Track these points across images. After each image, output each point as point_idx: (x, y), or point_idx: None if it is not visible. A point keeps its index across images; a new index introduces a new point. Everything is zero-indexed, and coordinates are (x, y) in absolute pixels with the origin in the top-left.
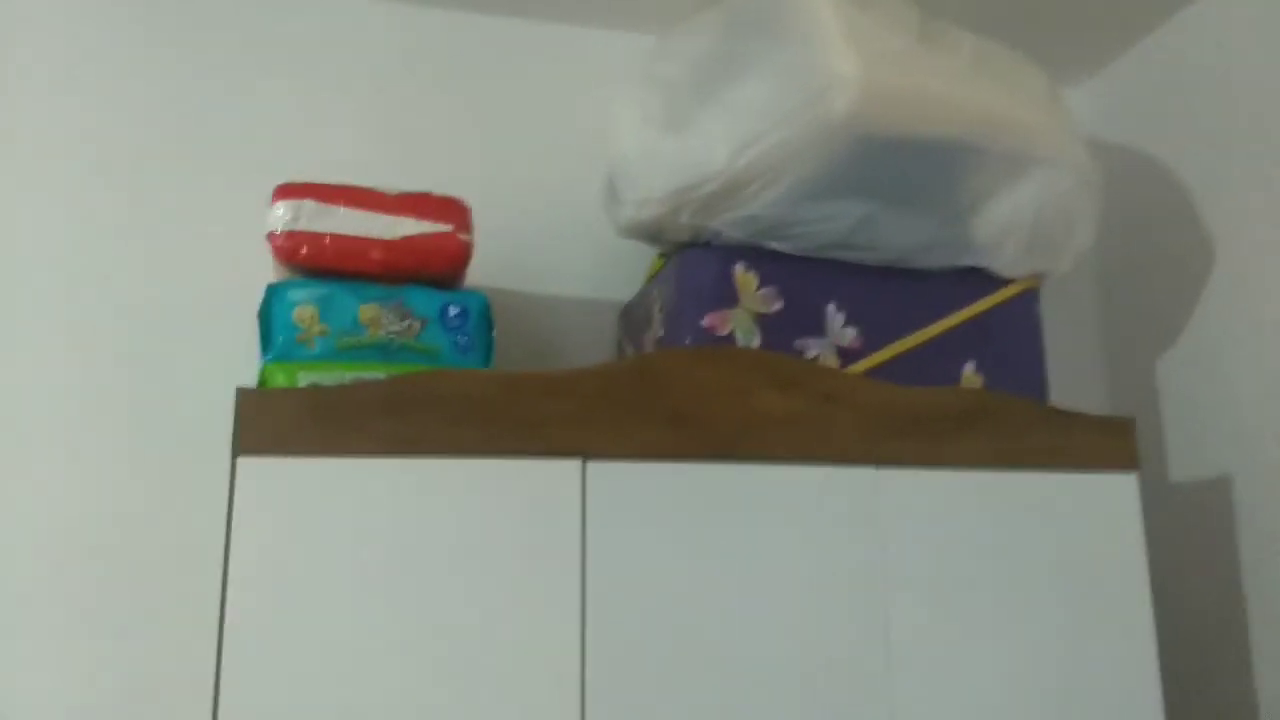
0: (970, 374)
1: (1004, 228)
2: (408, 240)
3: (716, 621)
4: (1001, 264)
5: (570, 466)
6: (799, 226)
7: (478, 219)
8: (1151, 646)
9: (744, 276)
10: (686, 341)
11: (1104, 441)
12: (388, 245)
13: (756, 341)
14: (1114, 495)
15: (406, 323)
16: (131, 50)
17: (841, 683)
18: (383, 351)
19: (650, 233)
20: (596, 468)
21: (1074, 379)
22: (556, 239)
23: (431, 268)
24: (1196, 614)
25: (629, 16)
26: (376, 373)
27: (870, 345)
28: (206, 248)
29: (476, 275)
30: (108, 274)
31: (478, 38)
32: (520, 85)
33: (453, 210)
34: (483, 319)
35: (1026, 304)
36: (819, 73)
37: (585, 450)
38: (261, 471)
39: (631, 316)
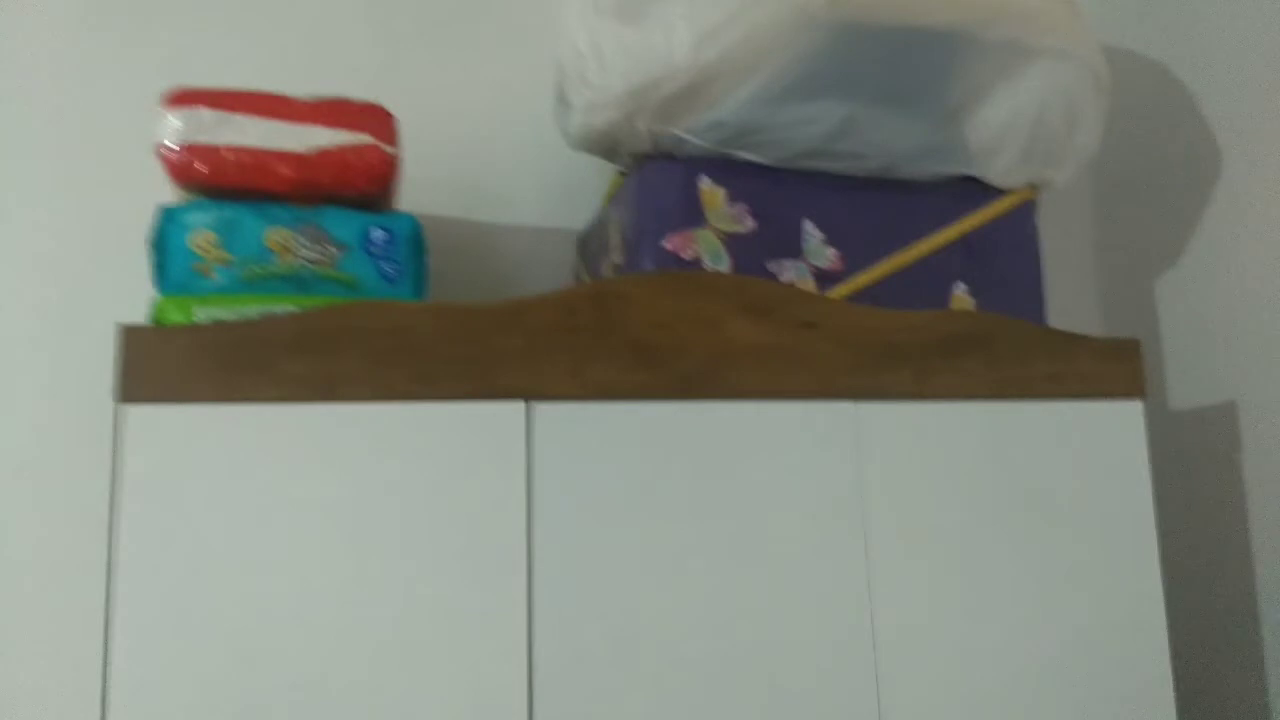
0: (961, 296)
1: (1001, 129)
2: (322, 153)
3: (682, 576)
4: (996, 172)
5: (513, 410)
6: (772, 132)
7: (414, 138)
8: (1156, 580)
9: (710, 191)
10: (647, 267)
11: (1107, 367)
12: (299, 160)
13: (725, 265)
14: (1118, 424)
15: (322, 248)
16: None
17: (824, 638)
18: (296, 283)
19: (605, 144)
20: (544, 409)
21: (1067, 300)
22: (505, 159)
23: (352, 185)
24: (1200, 545)
25: None
26: (288, 306)
27: (851, 266)
28: (96, 164)
29: (415, 201)
30: None
31: None
32: None
33: (374, 118)
34: (413, 244)
35: (1023, 218)
36: None
37: (531, 391)
38: (150, 421)
39: (589, 244)
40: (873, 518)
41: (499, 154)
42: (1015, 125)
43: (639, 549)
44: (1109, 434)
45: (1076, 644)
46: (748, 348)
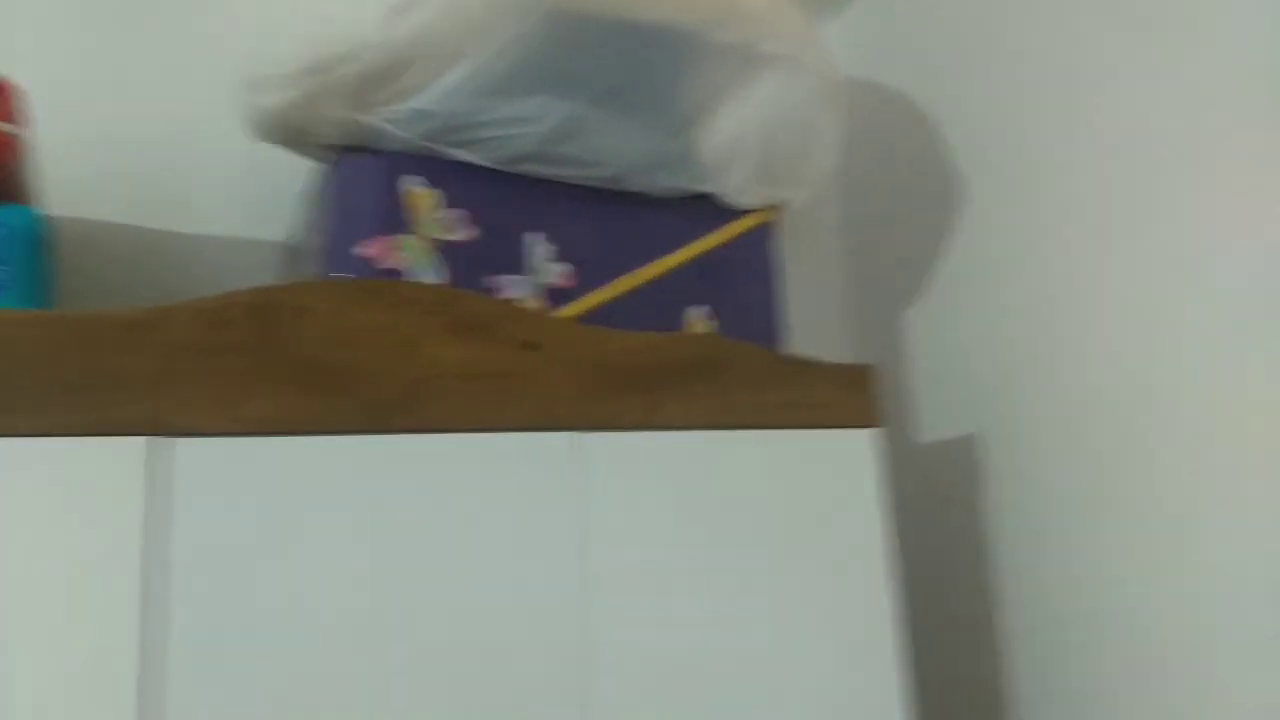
0: (698, 321)
1: (732, 143)
2: None
3: (367, 642)
4: (731, 190)
5: (129, 448)
6: (486, 129)
7: (93, 128)
8: (888, 613)
9: (419, 194)
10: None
11: (843, 395)
12: None
13: (437, 277)
14: (851, 453)
15: None
16: None
17: (536, 692)
18: None
19: (291, 133)
20: (174, 448)
21: (822, 329)
22: (201, 157)
23: None
24: (948, 579)
25: None
26: None
27: (584, 285)
28: None
29: (100, 208)
30: None
31: None
32: None
33: None
34: (29, 241)
35: (762, 240)
36: None
37: (159, 424)
38: None
39: (295, 256)
40: (595, 559)
41: (191, 151)
42: (746, 139)
43: (301, 617)
44: (843, 463)
45: (810, 676)
46: (455, 372)
